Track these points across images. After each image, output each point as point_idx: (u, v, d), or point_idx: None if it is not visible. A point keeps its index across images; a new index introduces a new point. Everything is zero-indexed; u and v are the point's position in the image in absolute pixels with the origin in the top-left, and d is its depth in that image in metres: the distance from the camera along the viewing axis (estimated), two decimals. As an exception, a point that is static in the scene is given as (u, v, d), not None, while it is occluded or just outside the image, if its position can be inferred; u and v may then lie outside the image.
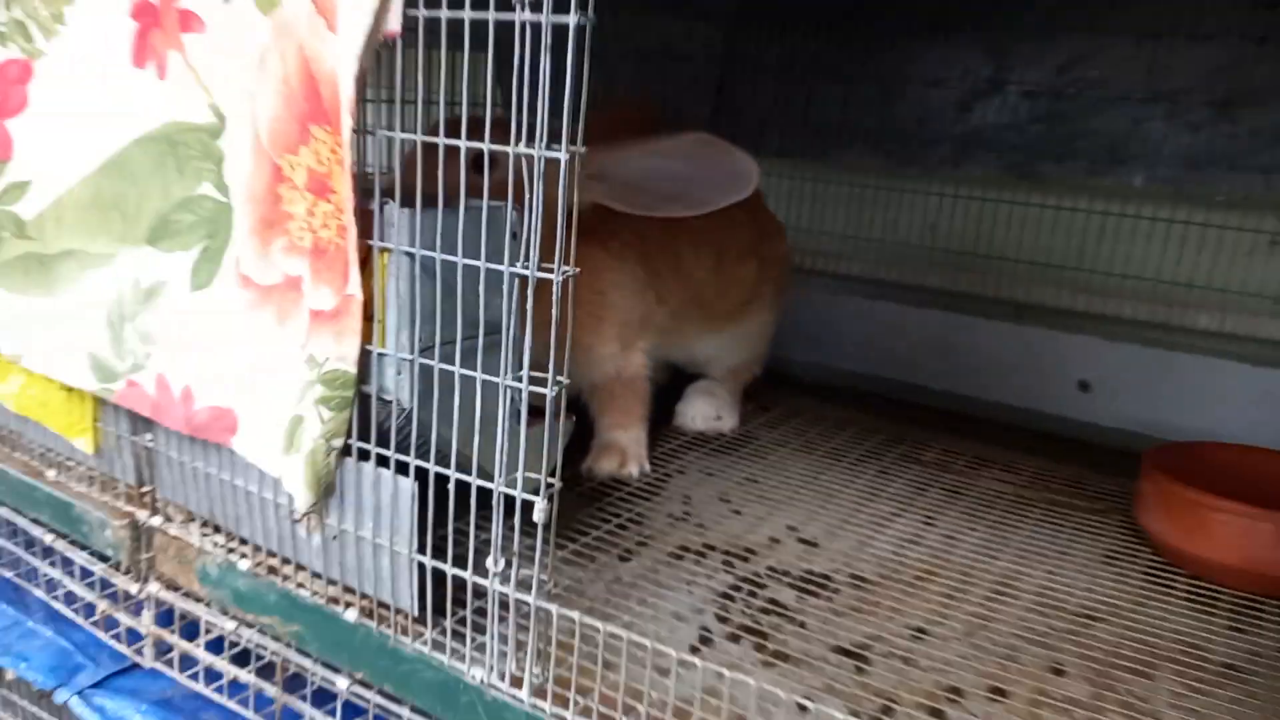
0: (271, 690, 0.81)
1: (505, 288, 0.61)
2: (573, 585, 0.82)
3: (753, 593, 0.85)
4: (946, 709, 0.70)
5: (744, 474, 1.12)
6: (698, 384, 1.23)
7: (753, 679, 0.61)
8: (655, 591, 0.83)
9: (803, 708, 0.65)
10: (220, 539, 0.82)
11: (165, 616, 0.89)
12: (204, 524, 0.83)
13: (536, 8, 0.54)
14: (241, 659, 0.84)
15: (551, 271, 0.57)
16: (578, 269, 0.58)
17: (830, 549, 0.95)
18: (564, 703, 0.64)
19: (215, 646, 0.86)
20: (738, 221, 1.10)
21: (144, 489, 0.87)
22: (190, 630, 0.88)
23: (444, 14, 0.57)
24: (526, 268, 0.58)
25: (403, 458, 0.66)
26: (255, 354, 0.69)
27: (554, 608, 0.64)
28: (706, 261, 1.11)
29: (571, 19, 0.53)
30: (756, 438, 1.23)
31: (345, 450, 0.67)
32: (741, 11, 1.47)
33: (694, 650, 0.75)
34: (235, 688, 0.85)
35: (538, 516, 0.59)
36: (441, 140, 0.59)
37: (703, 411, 1.20)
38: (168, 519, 0.85)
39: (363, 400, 0.66)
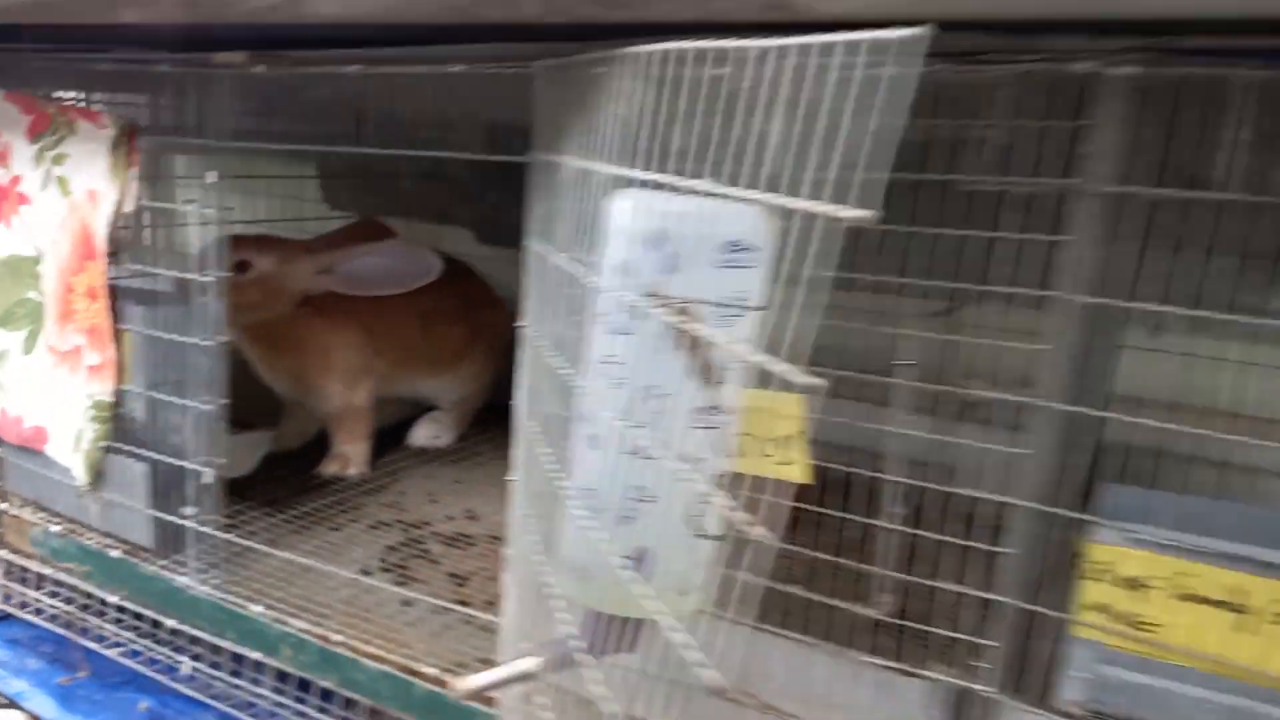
0: (75, 610, 1.23)
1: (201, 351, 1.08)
2: (289, 541, 1.24)
3: (412, 547, 1.29)
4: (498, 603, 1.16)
5: (452, 476, 1.56)
6: (428, 413, 1.67)
7: (378, 585, 1.06)
8: (347, 546, 1.26)
9: (406, 602, 1.11)
10: (43, 515, 1.24)
11: (9, 573, 1.31)
12: (34, 505, 1.26)
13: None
14: (66, 601, 1.27)
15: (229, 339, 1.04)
16: (229, 340, 1.04)
17: (488, 522, 1.39)
18: (233, 593, 1.08)
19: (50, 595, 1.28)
20: (445, 297, 1.55)
21: (-5, 485, 1.29)
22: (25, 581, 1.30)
23: (155, 204, 1.05)
24: (204, 339, 1.04)
25: (140, 452, 1.10)
26: (58, 392, 1.14)
27: (225, 535, 1.08)
28: (415, 326, 1.54)
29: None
30: (475, 451, 1.66)
31: (108, 449, 1.12)
32: (490, 137, 1.99)
33: (355, 576, 1.18)
34: (54, 619, 1.27)
35: (206, 480, 1.04)
36: (160, 272, 1.06)
37: (425, 432, 1.63)
38: (10, 503, 1.28)
39: (117, 418, 1.11)
